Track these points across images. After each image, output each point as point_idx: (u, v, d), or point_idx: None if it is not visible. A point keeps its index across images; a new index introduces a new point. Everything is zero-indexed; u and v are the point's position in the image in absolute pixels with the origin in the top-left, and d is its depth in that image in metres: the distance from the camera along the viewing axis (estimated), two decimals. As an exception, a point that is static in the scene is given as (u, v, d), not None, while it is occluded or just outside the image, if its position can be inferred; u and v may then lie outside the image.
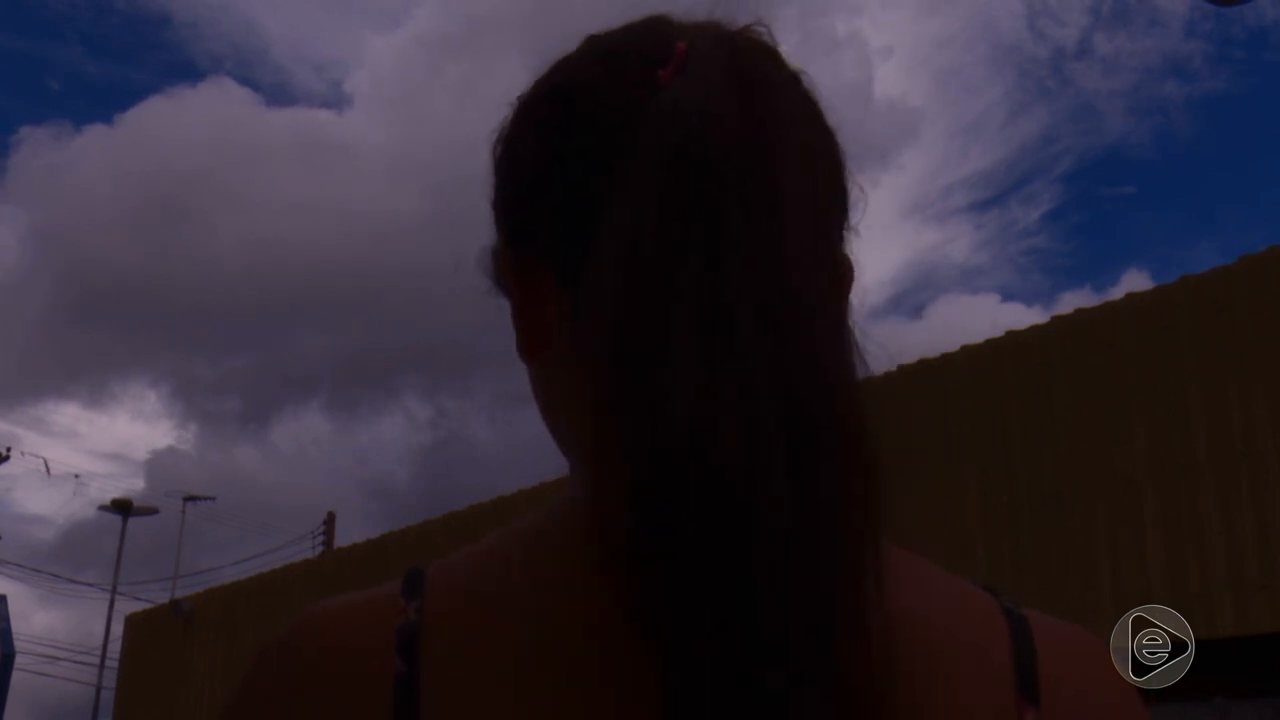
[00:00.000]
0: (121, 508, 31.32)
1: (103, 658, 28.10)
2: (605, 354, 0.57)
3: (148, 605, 20.02)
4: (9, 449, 29.98)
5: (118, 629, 21.08)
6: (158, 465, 55.36)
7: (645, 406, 0.55)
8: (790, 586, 0.53)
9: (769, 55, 0.63)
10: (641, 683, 0.56)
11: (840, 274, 0.65)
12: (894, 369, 7.74)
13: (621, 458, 0.55)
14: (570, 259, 0.66)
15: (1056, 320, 7.88)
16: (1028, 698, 0.62)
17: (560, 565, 0.62)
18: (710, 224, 0.57)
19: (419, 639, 0.61)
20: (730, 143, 0.58)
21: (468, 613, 0.61)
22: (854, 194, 0.67)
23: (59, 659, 47.60)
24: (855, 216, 0.68)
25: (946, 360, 8.20)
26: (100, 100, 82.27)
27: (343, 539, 24.18)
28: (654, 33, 0.68)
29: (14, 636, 15.70)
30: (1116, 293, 15.73)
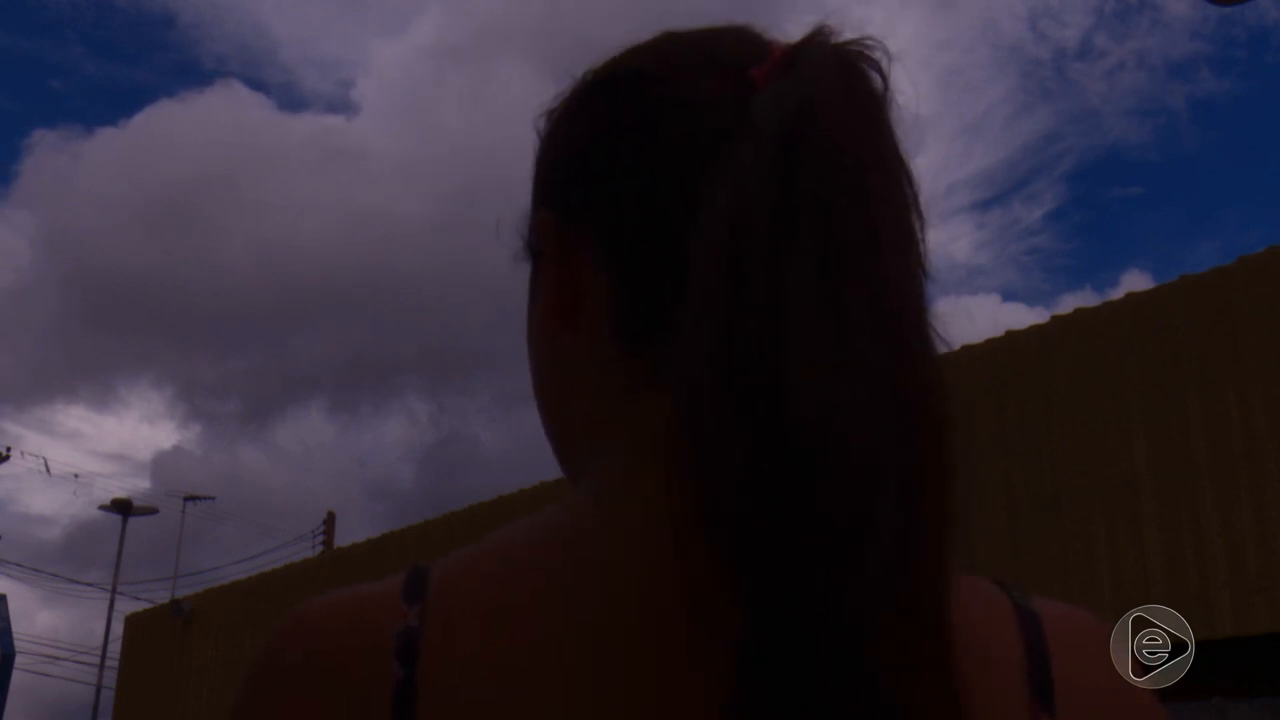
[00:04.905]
0: (121, 507, 31.32)
1: (103, 658, 28.12)
2: (711, 340, 0.56)
3: (148, 605, 20.04)
4: (9, 449, 30.01)
5: (118, 629, 21.13)
6: (162, 465, 55.53)
7: (766, 397, 0.54)
8: (904, 581, 0.53)
9: (875, 66, 0.62)
10: (679, 695, 0.56)
11: (924, 282, 0.65)
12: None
13: (736, 449, 0.54)
14: (629, 240, 0.66)
15: (1056, 320, 7.88)
16: (1042, 701, 0.61)
17: (584, 571, 0.61)
18: (822, 217, 0.56)
19: (419, 645, 0.60)
20: (842, 140, 0.58)
21: (472, 621, 0.60)
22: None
23: (60, 659, 47.62)
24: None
25: (946, 360, 8.17)
26: (103, 102, 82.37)
27: (343, 539, 24.23)
28: (742, 36, 0.69)
29: (15, 636, 15.68)
30: (1116, 293, 15.76)
